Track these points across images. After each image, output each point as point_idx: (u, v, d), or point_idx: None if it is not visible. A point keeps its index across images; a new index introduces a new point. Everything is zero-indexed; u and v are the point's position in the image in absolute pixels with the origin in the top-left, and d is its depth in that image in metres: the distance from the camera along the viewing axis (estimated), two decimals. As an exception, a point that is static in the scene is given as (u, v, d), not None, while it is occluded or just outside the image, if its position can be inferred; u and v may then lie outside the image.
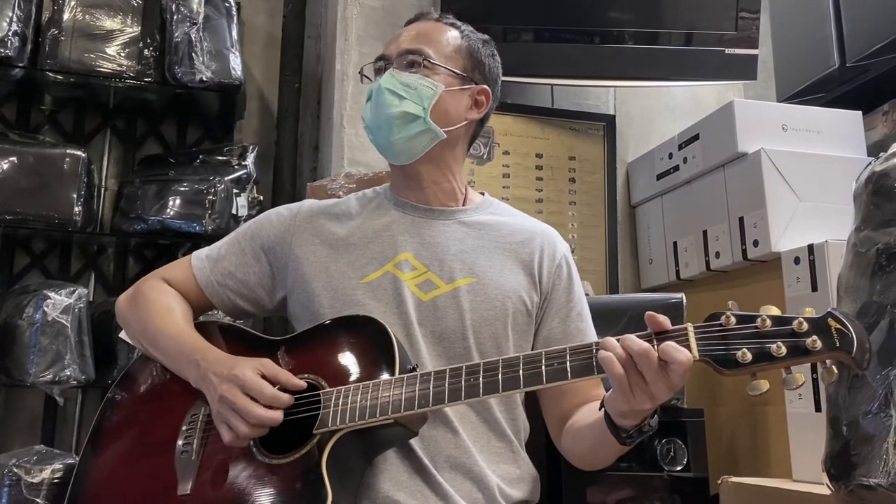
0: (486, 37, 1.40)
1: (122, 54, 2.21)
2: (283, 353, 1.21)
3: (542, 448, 1.51)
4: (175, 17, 2.22)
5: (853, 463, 1.12)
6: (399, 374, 1.09)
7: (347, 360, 1.15)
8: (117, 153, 2.48)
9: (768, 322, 0.93)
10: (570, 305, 1.33)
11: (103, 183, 2.42)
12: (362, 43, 2.29)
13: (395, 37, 1.35)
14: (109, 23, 2.23)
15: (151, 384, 1.27)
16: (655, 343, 0.96)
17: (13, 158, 2.11)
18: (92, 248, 2.39)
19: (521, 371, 1.02)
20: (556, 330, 1.31)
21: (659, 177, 2.29)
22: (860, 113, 2.07)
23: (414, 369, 1.13)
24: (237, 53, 2.30)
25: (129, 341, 1.35)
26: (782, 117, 2.00)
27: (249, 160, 2.35)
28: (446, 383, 1.05)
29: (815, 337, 0.91)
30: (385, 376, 1.09)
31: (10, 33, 2.08)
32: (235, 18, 2.36)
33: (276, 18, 2.68)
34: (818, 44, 2.30)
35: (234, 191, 2.25)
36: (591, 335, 1.32)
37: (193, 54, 2.20)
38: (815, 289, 1.62)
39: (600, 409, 1.09)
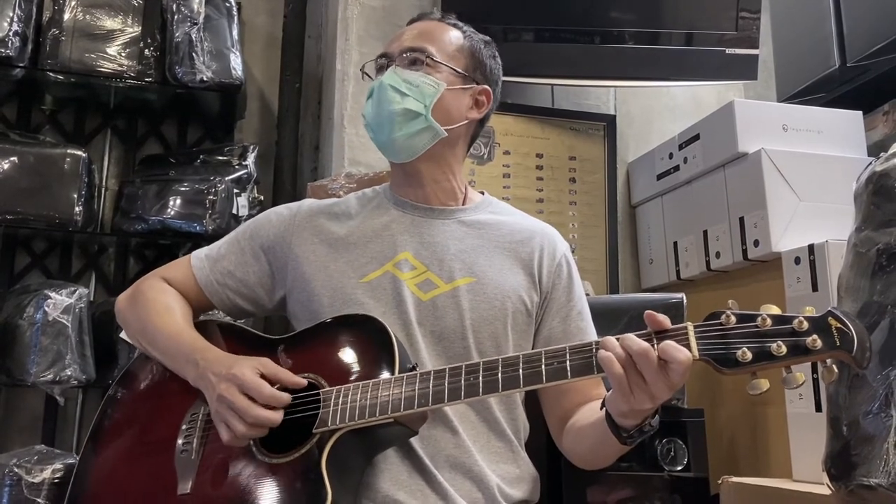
0: (487, 38, 1.40)
1: (123, 54, 2.21)
2: (283, 352, 1.21)
3: (542, 448, 1.51)
4: (176, 16, 2.22)
5: (853, 463, 1.12)
6: (399, 373, 1.09)
7: (347, 358, 1.16)
8: (118, 153, 2.48)
9: (768, 321, 0.93)
10: (571, 305, 1.33)
11: (104, 183, 2.42)
12: (363, 43, 2.30)
13: (397, 35, 1.36)
14: (110, 23, 2.23)
15: (151, 383, 1.27)
16: (655, 342, 0.96)
17: (14, 158, 2.11)
18: (92, 247, 2.40)
19: (520, 370, 1.02)
20: (557, 329, 1.31)
21: (659, 177, 2.29)
22: (860, 113, 2.06)
23: (413, 368, 1.13)
24: (238, 53, 2.30)
25: (129, 341, 1.35)
26: (783, 117, 2.00)
27: (250, 160, 2.35)
28: (446, 382, 1.05)
29: (815, 336, 0.91)
30: (385, 375, 1.09)
31: (10, 33, 2.08)
32: (236, 18, 2.36)
33: (276, 18, 2.68)
34: (818, 44, 2.30)
35: (235, 191, 2.25)
36: (592, 334, 1.32)
37: (194, 54, 2.20)
38: (815, 289, 1.62)
39: (601, 408, 1.09)
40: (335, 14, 2.34)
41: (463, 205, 1.36)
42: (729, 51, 2.24)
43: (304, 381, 1.12)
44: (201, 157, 2.36)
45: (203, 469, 1.12)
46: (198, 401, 1.18)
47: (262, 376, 1.11)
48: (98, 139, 2.46)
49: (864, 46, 2.15)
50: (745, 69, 2.27)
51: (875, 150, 1.99)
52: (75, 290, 2.09)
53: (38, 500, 1.76)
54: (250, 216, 2.17)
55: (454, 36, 1.35)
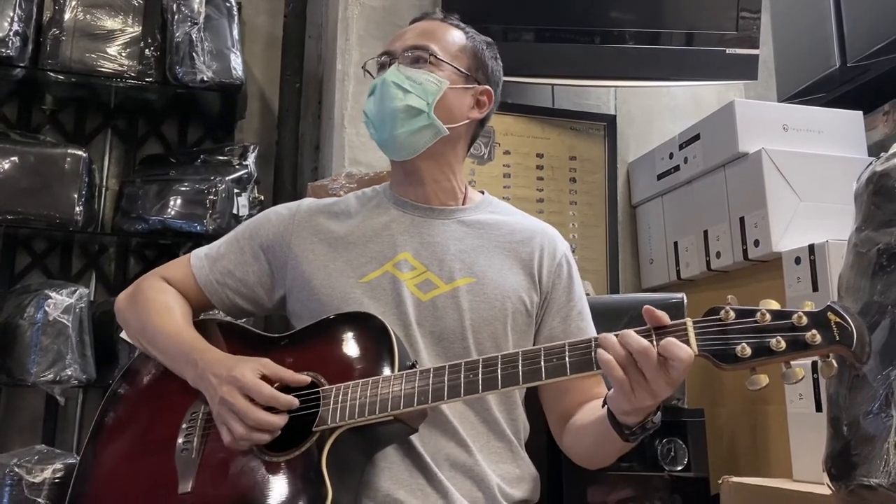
0: (489, 39, 1.40)
1: (123, 54, 2.21)
2: (283, 350, 1.21)
3: (542, 447, 1.51)
4: (176, 16, 2.23)
5: (854, 463, 1.12)
6: (398, 370, 1.09)
7: (347, 356, 1.15)
8: (118, 153, 2.48)
9: (768, 316, 0.93)
10: (571, 304, 1.33)
11: (104, 183, 2.42)
12: (363, 43, 2.30)
13: (399, 34, 1.36)
14: (110, 23, 2.23)
15: (151, 382, 1.27)
16: (654, 338, 0.96)
17: (14, 158, 2.11)
18: (93, 247, 2.40)
19: (520, 367, 1.02)
20: (557, 329, 1.31)
21: (659, 177, 2.29)
22: (861, 113, 2.07)
23: (413, 366, 1.13)
24: (238, 53, 2.30)
25: (129, 340, 1.36)
26: (783, 117, 2.00)
27: (250, 160, 2.35)
28: (445, 379, 1.05)
29: (814, 331, 0.90)
30: (384, 373, 1.09)
31: (11, 33, 2.09)
32: (236, 18, 2.36)
33: (276, 18, 2.68)
34: (819, 44, 2.30)
35: (235, 190, 2.25)
36: (592, 333, 1.32)
37: (194, 54, 2.20)
38: (815, 289, 1.62)
39: (603, 405, 1.09)
40: (335, 14, 2.35)
41: (463, 204, 1.36)
42: (729, 51, 2.24)
43: (307, 378, 1.12)
44: (202, 156, 2.36)
45: (203, 468, 1.12)
46: (198, 400, 1.18)
47: (264, 377, 1.11)
48: (98, 139, 2.46)
49: (865, 46, 2.15)
50: (745, 69, 2.27)
51: (875, 150, 1.99)
52: (76, 290, 2.09)
53: (39, 499, 1.76)
54: (250, 216, 2.16)
55: (457, 36, 1.35)
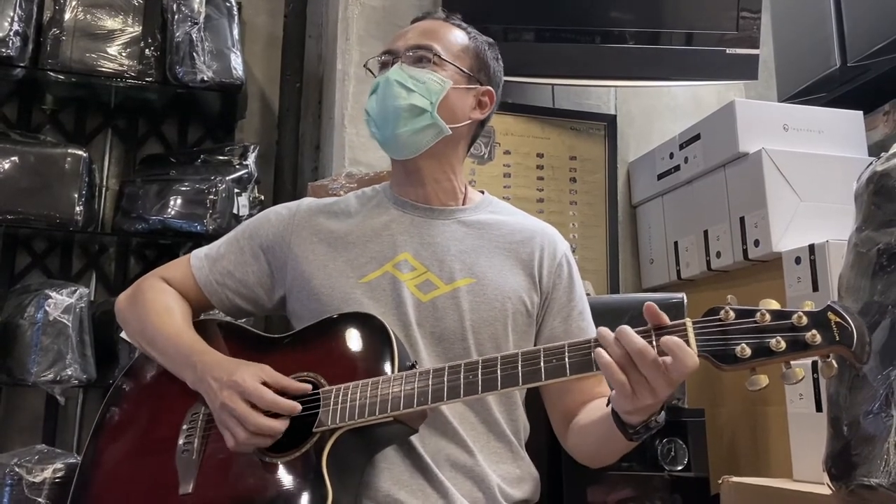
0: (490, 40, 1.40)
1: (124, 54, 2.21)
2: (282, 351, 1.21)
3: (542, 448, 1.51)
4: (176, 16, 2.23)
5: (854, 463, 1.12)
6: (398, 371, 1.09)
7: (347, 357, 1.15)
8: (118, 153, 2.48)
9: (767, 316, 0.93)
10: (572, 305, 1.33)
11: (104, 182, 2.42)
12: (363, 43, 2.30)
13: (401, 33, 1.35)
14: (111, 22, 2.23)
15: (152, 383, 1.27)
16: (654, 338, 0.96)
17: (14, 158, 2.11)
18: (93, 247, 2.40)
19: (519, 368, 1.02)
20: (558, 329, 1.31)
21: (660, 176, 2.29)
22: (861, 113, 2.07)
23: (413, 366, 1.13)
24: (238, 53, 2.30)
25: (129, 341, 1.35)
26: (783, 117, 2.00)
27: (250, 160, 2.35)
28: (445, 380, 1.05)
29: (814, 331, 0.90)
30: (384, 373, 1.09)
31: (11, 33, 2.09)
32: (236, 18, 2.36)
33: (277, 18, 2.68)
34: (819, 44, 2.30)
35: (236, 190, 2.25)
36: (593, 333, 1.31)
37: (194, 54, 2.20)
38: (815, 289, 1.62)
39: (607, 405, 1.09)
40: (335, 14, 2.35)
41: (463, 205, 1.36)
42: (730, 51, 2.24)
43: (308, 387, 1.11)
44: (202, 156, 2.36)
45: (204, 469, 1.12)
46: (198, 401, 1.17)
47: (264, 383, 1.10)
48: (99, 139, 2.46)
49: (865, 46, 2.15)
50: (745, 69, 2.27)
51: (876, 149, 1.99)
52: (76, 290, 2.09)
53: (39, 499, 1.76)
54: (251, 216, 2.16)
55: (459, 36, 1.35)
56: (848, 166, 1.85)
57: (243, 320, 1.45)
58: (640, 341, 0.95)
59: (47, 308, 2.03)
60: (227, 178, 2.24)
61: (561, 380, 1.01)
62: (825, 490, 1.23)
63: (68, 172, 2.14)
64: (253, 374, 1.11)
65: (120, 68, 2.20)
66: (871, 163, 1.26)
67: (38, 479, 1.77)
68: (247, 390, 1.08)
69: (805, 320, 0.91)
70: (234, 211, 2.24)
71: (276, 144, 2.57)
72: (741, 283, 2.00)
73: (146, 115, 2.50)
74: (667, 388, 0.96)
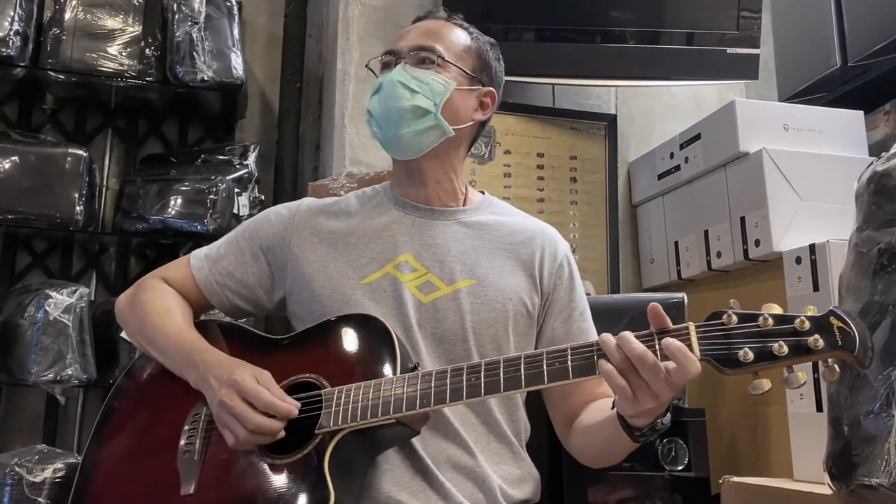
0: (492, 40, 1.40)
1: (124, 54, 2.21)
2: (284, 352, 1.21)
3: (542, 448, 1.51)
4: (176, 16, 2.22)
5: (854, 463, 1.12)
6: (400, 372, 1.09)
7: (348, 358, 1.15)
8: (119, 152, 2.48)
9: (770, 321, 0.93)
10: (573, 305, 1.33)
11: (105, 182, 2.42)
12: (363, 43, 2.30)
13: (403, 33, 1.35)
14: (111, 22, 2.23)
15: (153, 383, 1.26)
16: (657, 342, 0.96)
17: (15, 158, 2.11)
18: (93, 247, 2.40)
19: (522, 370, 1.02)
20: (559, 330, 1.31)
21: (660, 176, 2.29)
22: (862, 113, 2.06)
23: (415, 368, 1.12)
24: (238, 53, 2.30)
25: (130, 341, 1.35)
26: (784, 117, 2.00)
27: (251, 159, 2.35)
28: (447, 382, 1.05)
29: (817, 336, 0.90)
30: (386, 375, 1.09)
31: (11, 33, 2.08)
32: (237, 18, 2.36)
33: (277, 18, 2.68)
34: (820, 43, 2.30)
35: (236, 190, 2.25)
36: (593, 334, 1.32)
37: (195, 54, 2.20)
38: (816, 289, 1.62)
39: (612, 407, 1.09)
40: (336, 14, 2.34)
41: (463, 205, 1.35)
42: (730, 50, 2.24)
43: (297, 404, 1.10)
44: (202, 156, 2.36)
45: (206, 470, 1.12)
46: (200, 401, 1.17)
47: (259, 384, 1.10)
48: (99, 139, 2.46)
49: (866, 46, 2.15)
50: (746, 69, 2.27)
51: (876, 149, 1.99)
52: (76, 290, 2.09)
53: (40, 499, 1.76)
54: (251, 216, 2.16)
55: (462, 36, 1.35)
56: (848, 166, 1.85)
57: (243, 321, 1.45)
58: (640, 346, 0.95)
59: (47, 308, 2.03)
60: (228, 177, 2.24)
61: (563, 383, 1.01)
62: (826, 490, 1.23)
63: (69, 172, 2.14)
64: (251, 374, 1.11)
65: (120, 68, 2.20)
66: (872, 162, 1.26)
67: (38, 479, 1.77)
68: (245, 389, 1.08)
69: (808, 325, 0.91)
70: (235, 211, 2.24)
71: (276, 144, 2.57)
72: (742, 283, 2.00)
73: (146, 115, 2.50)
74: (669, 392, 0.96)
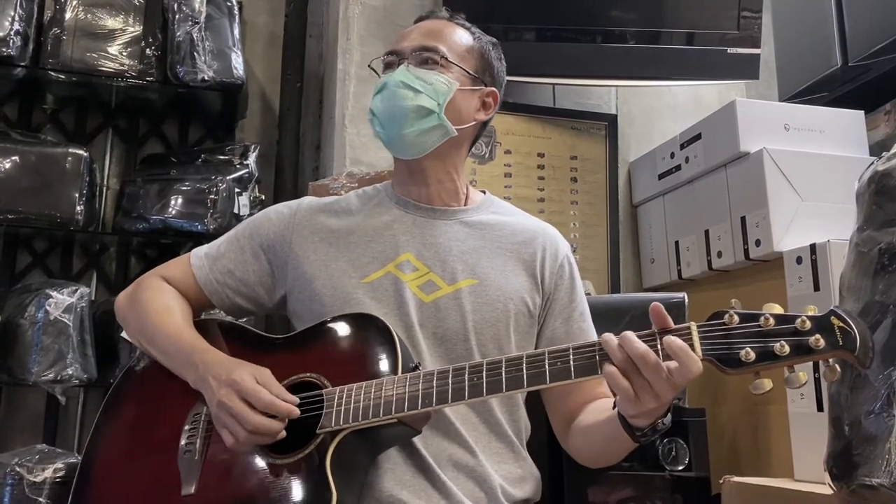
0: (494, 40, 1.40)
1: (124, 53, 2.21)
2: (285, 351, 1.21)
3: (543, 447, 1.51)
4: (177, 16, 2.22)
5: (855, 463, 1.12)
6: (402, 372, 1.09)
7: (349, 358, 1.15)
8: (119, 152, 2.48)
9: (771, 321, 0.93)
10: (573, 306, 1.33)
11: (105, 182, 2.42)
12: (364, 42, 2.29)
13: (406, 33, 1.35)
14: (111, 22, 2.23)
15: (153, 382, 1.26)
16: (659, 342, 0.96)
17: (15, 158, 2.11)
18: (94, 247, 2.40)
19: (524, 370, 1.02)
20: (560, 330, 1.31)
21: (661, 176, 2.29)
22: (862, 112, 2.06)
23: (416, 367, 1.12)
24: (239, 53, 2.30)
25: (130, 340, 1.35)
26: (784, 117, 2.00)
27: (251, 159, 2.35)
28: (449, 382, 1.05)
29: (818, 335, 0.91)
30: (388, 375, 1.09)
31: (11, 32, 2.08)
32: (237, 18, 2.36)
33: (277, 18, 2.68)
34: (820, 43, 2.30)
35: (236, 190, 2.25)
36: (593, 334, 1.33)
37: (195, 53, 2.20)
38: (817, 288, 1.62)
39: (613, 408, 1.09)
40: (336, 13, 2.34)
41: (465, 205, 1.36)
42: (731, 50, 2.24)
43: (295, 399, 1.09)
44: (202, 156, 2.36)
45: (207, 470, 1.12)
46: (200, 401, 1.17)
47: (259, 384, 1.10)
48: (99, 138, 2.46)
49: (866, 46, 2.15)
50: (746, 68, 2.27)
51: (877, 149, 1.99)
52: (77, 290, 2.09)
53: (40, 499, 1.76)
54: (251, 216, 2.16)
55: (464, 37, 1.35)
56: (849, 166, 1.85)
57: (244, 320, 1.45)
58: (642, 346, 0.96)
59: (48, 307, 2.03)
60: (228, 177, 2.24)
61: (565, 383, 1.01)
62: (826, 490, 1.23)
63: (69, 172, 2.14)
64: (251, 374, 1.10)
65: (121, 68, 2.20)
66: (873, 162, 1.26)
67: (38, 479, 1.77)
68: (244, 389, 1.08)
69: (809, 325, 0.92)
70: (235, 210, 2.23)
71: (276, 144, 2.57)
72: (742, 283, 2.00)
73: (147, 115, 2.50)
74: (670, 391, 0.96)
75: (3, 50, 2.07)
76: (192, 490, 1.10)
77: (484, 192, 1.42)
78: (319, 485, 1.03)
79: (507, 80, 1.45)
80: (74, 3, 2.20)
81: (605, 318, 1.55)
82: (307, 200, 1.39)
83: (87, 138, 2.43)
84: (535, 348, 1.29)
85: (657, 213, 2.33)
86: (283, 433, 1.08)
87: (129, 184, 2.29)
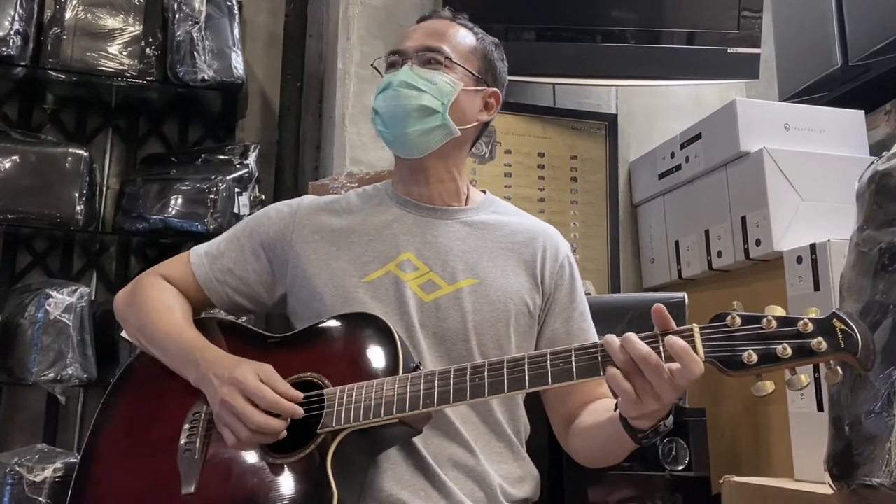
0: (496, 40, 1.40)
1: (124, 53, 2.21)
2: (285, 350, 1.20)
3: (543, 447, 1.51)
4: (177, 15, 2.23)
5: (855, 462, 1.11)
6: (403, 371, 1.09)
7: (350, 357, 1.15)
8: (119, 152, 2.49)
9: (774, 323, 0.93)
10: (574, 306, 1.33)
11: (105, 182, 2.42)
12: (364, 42, 2.29)
13: (409, 33, 1.35)
14: (111, 22, 2.23)
15: (152, 381, 1.25)
16: (662, 344, 0.96)
17: (15, 157, 2.11)
18: (94, 246, 2.40)
19: (526, 371, 1.02)
20: (560, 330, 1.31)
21: (661, 176, 2.29)
22: (862, 112, 2.06)
23: (417, 367, 1.12)
24: (239, 52, 2.30)
25: (129, 339, 1.35)
26: (784, 116, 1.99)
27: (251, 159, 2.35)
28: (451, 383, 1.05)
29: (820, 338, 0.91)
30: (389, 374, 1.09)
31: (12, 32, 2.09)
32: (237, 17, 2.36)
33: (277, 17, 2.68)
34: (820, 43, 2.30)
35: (236, 190, 2.25)
36: (593, 334, 1.33)
37: (195, 53, 2.20)
38: (817, 288, 1.62)
39: (615, 409, 1.09)
40: (336, 13, 2.34)
41: (465, 205, 1.36)
42: (731, 50, 2.24)
43: (300, 395, 1.10)
44: (202, 156, 2.36)
45: (207, 469, 1.11)
46: (200, 399, 1.17)
47: (262, 382, 1.10)
48: (99, 138, 2.47)
49: (866, 45, 2.15)
50: (746, 68, 2.27)
51: (877, 149, 1.98)
52: (77, 289, 2.10)
53: (40, 498, 1.76)
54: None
55: (468, 37, 1.35)
56: (849, 165, 1.85)
57: (244, 319, 1.45)
58: (644, 347, 0.96)
59: (48, 307, 2.04)
60: (228, 177, 2.24)
61: (567, 384, 1.01)
62: (826, 490, 1.23)
63: (69, 172, 2.14)
64: (253, 372, 1.10)
65: (121, 67, 2.20)
66: (873, 162, 1.26)
67: (38, 479, 1.77)
68: (248, 388, 1.08)
69: (811, 327, 0.92)
70: (235, 210, 2.24)
71: (276, 144, 2.57)
72: (742, 283, 2.00)
73: (147, 115, 2.50)
74: (672, 393, 0.96)
75: (3, 50, 2.07)
76: (193, 489, 1.10)
77: (484, 192, 1.42)
78: (321, 484, 1.03)
79: (508, 80, 1.45)
80: (74, 2, 2.21)
81: (606, 318, 1.54)
82: (307, 199, 1.39)
83: (87, 138, 2.43)
84: (536, 348, 1.29)
85: (657, 212, 2.33)
86: (284, 433, 1.08)
87: (129, 183, 2.29)
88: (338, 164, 2.22)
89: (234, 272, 1.32)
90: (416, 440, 1.15)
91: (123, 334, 1.93)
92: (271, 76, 2.65)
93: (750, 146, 1.94)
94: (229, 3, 2.35)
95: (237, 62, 2.28)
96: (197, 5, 2.24)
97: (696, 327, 0.97)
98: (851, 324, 0.91)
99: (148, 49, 2.24)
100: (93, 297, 2.23)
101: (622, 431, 1.07)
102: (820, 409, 1.55)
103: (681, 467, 1.65)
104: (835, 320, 0.92)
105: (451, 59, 1.29)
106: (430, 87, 1.27)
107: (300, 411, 1.08)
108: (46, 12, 2.24)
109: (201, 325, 1.28)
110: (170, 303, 1.29)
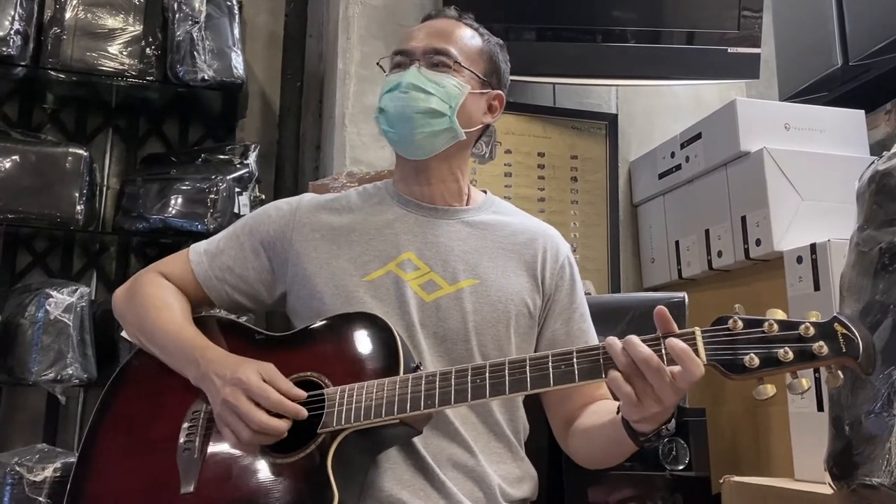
0: (501, 41, 1.40)
1: (124, 53, 2.21)
2: (285, 349, 1.20)
3: (543, 448, 1.51)
4: (177, 15, 2.23)
5: (856, 462, 1.11)
6: (403, 371, 1.09)
7: (351, 357, 1.15)
8: (119, 152, 2.48)
9: (775, 327, 0.93)
10: (574, 307, 1.33)
11: (105, 182, 2.42)
12: (364, 42, 2.29)
13: (415, 33, 1.33)
14: (111, 21, 2.23)
15: (151, 380, 1.25)
16: (663, 347, 0.96)
17: (15, 157, 2.11)
18: (94, 246, 2.40)
19: (527, 373, 1.02)
20: (560, 331, 1.31)
21: (661, 176, 2.29)
22: (863, 112, 2.06)
23: (417, 367, 1.12)
24: (239, 52, 2.30)
25: (128, 337, 1.34)
26: (785, 116, 1.99)
27: (251, 159, 2.35)
28: (452, 384, 1.05)
29: (821, 342, 0.91)
30: (389, 375, 1.09)
31: (12, 32, 2.08)
32: (237, 17, 2.36)
33: (277, 17, 2.68)
34: (821, 43, 2.30)
35: (236, 189, 2.25)
36: (593, 335, 1.33)
37: (195, 53, 2.20)
38: (817, 288, 1.62)
39: (617, 412, 1.09)
40: (336, 13, 2.34)
41: (466, 205, 1.35)
42: (731, 49, 2.24)
43: (304, 394, 1.10)
44: (203, 155, 2.36)
45: (206, 468, 1.11)
46: (199, 398, 1.17)
47: (265, 381, 1.10)
48: (100, 138, 2.47)
49: (866, 45, 2.15)
50: (747, 68, 2.27)
51: (877, 148, 1.98)
52: (77, 289, 2.09)
53: (40, 498, 1.76)
54: (251, 215, 2.17)
55: (474, 39, 1.34)
56: (849, 165, 1.85)
57: (244, 318, 1.45)
58: (646, 350, 0.96)
59: (48, 307, 2.03)
60: (228, 177, 2.24)
61: (569, 385, 1.01)
62: (827, 490, 1.23)
63: (69, 172, 2.14)
64: (256, 372, 1.10)
65: (121, 67, 2.20)
66: (873, 162, 1.26)
67: (38, 479, 1.77)
68: (251, 388, 1.08)
69: (812, 331, 0.92)
70: (235, 210, 2.24)
71: (276, 143, 2.57)
72: (742, 283, 2.00)
73: (147, 115, 2.50)
74: (673, 396, 0.96)
75: (4, 49, 2.07)
76: (192, 489, 1.10)
77: (485, 192, 1.42)
78: (321, 484, 1.03)
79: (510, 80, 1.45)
80: (74, 2, 2.21)
81: (606, 318, 1.55)
82: (307, 197, 1.38)
83: (87, 138, 2.43)
84: (536, 349, 1.29)
85: (657, 212, 2.33)
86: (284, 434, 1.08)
87: (129, 183, 2.29)
88: (338, 164, 2.22)
89: (234, 270, 1.31)
90: (416, 440, 1.15)
91: (123, 334, 1.93)
92: (271, 76, 2.65)
93: (750, 146, 1.94)
94: (229, 3, 2.35)
95: (237, 62, 2.27)
96: (197, 5, 2.24)
97: (698, 330, 0.97)
98: (853, 328, 0.91)
99: (148, 49, 2.24)
100: (93, 297, 2.23)
101: (623, 433, 1.07)
102: (820, 409, 1.55)
103: (681, 467, 1.65)
104: (836, 324, 0.92)
105: (458, 62, 1.29)
106: (438, 90, 1.26)
107: (304, 412, 1.08)
108: (46, 12, 2.23)
109: (201, 323, 1.28)
110: (169, 300, 1.28)
